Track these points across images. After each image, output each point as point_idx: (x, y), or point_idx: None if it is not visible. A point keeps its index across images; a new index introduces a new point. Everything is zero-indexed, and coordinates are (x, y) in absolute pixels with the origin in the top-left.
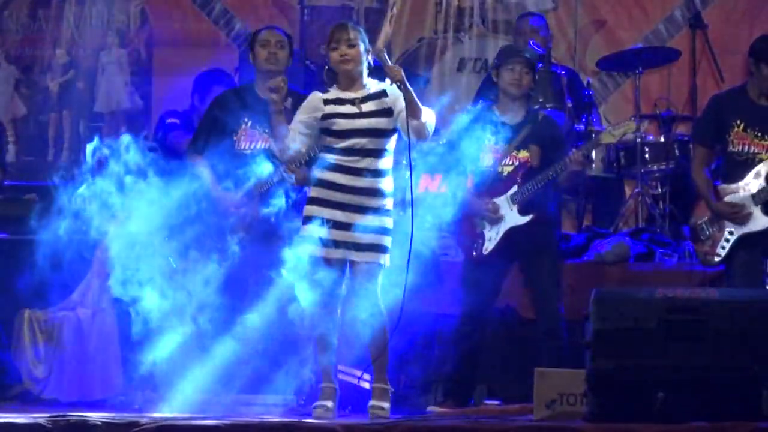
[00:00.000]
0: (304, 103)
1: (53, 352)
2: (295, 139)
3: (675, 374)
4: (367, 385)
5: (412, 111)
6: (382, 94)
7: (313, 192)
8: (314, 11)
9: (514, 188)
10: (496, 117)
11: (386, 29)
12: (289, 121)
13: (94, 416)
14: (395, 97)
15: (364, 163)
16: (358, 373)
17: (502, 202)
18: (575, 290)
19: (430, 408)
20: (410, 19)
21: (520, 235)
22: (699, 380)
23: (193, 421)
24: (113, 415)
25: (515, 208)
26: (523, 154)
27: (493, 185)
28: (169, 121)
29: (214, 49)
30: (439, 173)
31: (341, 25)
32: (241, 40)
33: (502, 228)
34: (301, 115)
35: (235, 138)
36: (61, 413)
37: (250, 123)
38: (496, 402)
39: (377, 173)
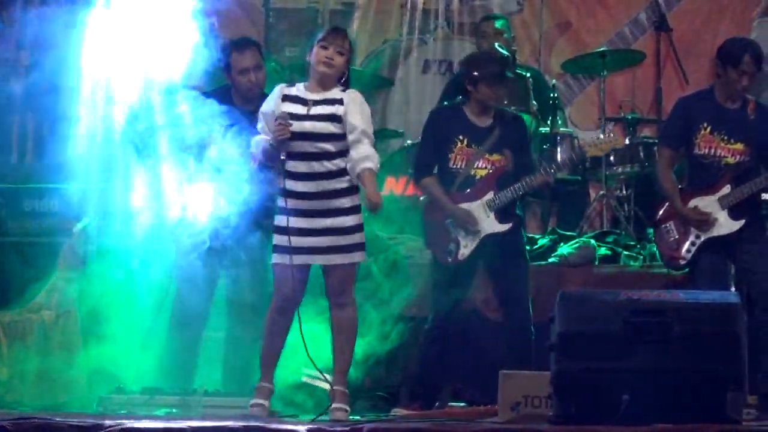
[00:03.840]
0: (269, 98)
1: (17, 355)
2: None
3: (640, 376)
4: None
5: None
6: (338, 101)
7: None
8: (279, 13)
9: (491, 194)
10: (467, 118)
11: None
12: None
13: (58, 419)
14: (349, 107)
15: (304, 167)
16: (330, 377)
17: (478, 207)
18: (540, 293)
19: (395, 410)
20: (375, 20)
21: (495, 241)
22: (664, 382)
23: (157, 423)
24: (77, 417)
25: (492, 215)
26: (496, 157)
27: (464, 187)
28: None
29: None
30: (404, 175)
31: (340, 31)
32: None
33: (480, 235)
34: (264, 115)
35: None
36: (25, 416)
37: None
38: (461, 404)
39: (325, 175)
